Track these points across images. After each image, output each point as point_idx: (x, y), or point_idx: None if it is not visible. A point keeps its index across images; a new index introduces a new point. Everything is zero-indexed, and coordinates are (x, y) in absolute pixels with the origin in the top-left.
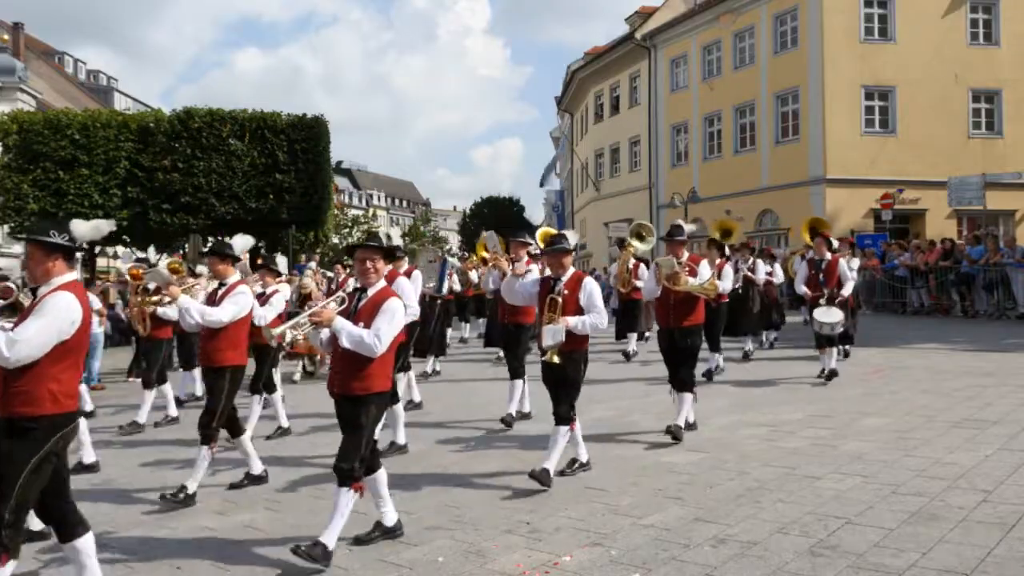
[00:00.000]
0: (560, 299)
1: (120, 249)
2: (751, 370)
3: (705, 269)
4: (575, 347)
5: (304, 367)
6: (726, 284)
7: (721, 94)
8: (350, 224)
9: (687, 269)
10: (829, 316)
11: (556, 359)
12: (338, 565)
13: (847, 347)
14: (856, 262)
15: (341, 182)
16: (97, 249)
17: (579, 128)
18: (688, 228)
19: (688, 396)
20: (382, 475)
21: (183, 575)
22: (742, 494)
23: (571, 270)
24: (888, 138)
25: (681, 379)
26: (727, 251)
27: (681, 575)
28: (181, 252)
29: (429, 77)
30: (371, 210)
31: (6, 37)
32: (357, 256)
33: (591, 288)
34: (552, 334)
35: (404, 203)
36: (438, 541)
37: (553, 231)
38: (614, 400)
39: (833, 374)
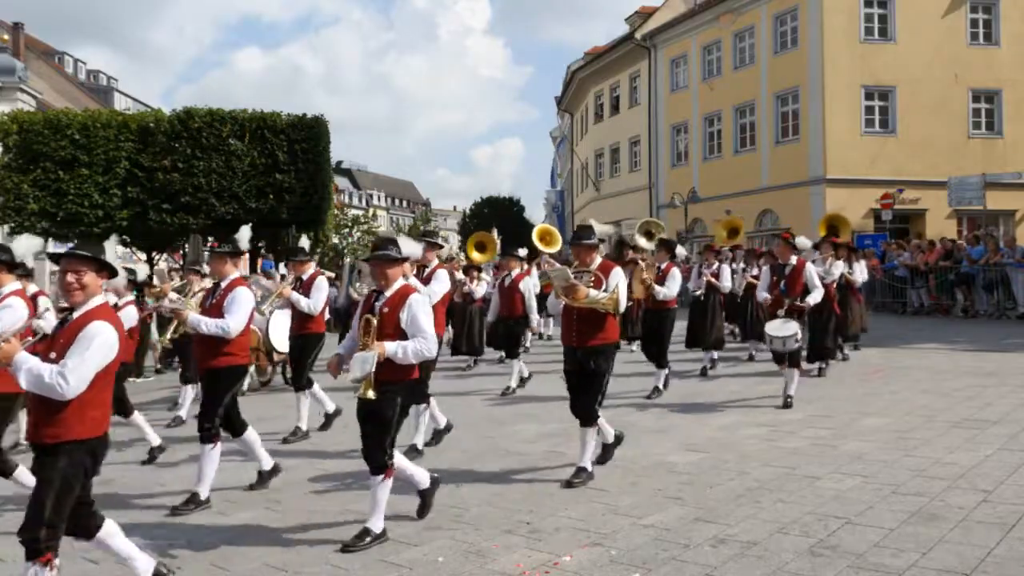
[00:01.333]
0: (376, 319)
1: (120, 249)
2: (751, 370)
3: (614, 278)
4: (393, 378)
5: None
6: (672, 289)
7: (721, 94)
8: (350, 224)
9: (593, 279)
10: (782, 330)
11: (371, 393)
12: (338, 565)
13: (821, 364)
14: (863, 265)
15: (341, 182)
16: None
17: (579, 128)
18: (600, 229)
19: (591, 431)
20: (109, 528)
21: (183, 575)
22: (742, 494)
23: (398, 284)
24: (888, 138)
25: (582, 410)
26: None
27: (681, 575)
28: (181, 252)
29: (429, 77)
30: (371, 210)
31: (6, 37)
32: (60, 268)
33: (416, 307)
34: (360, 363)
35: (404, 203)
36: (438, 541)
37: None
38: (611, 400)
39: (787, 402)
